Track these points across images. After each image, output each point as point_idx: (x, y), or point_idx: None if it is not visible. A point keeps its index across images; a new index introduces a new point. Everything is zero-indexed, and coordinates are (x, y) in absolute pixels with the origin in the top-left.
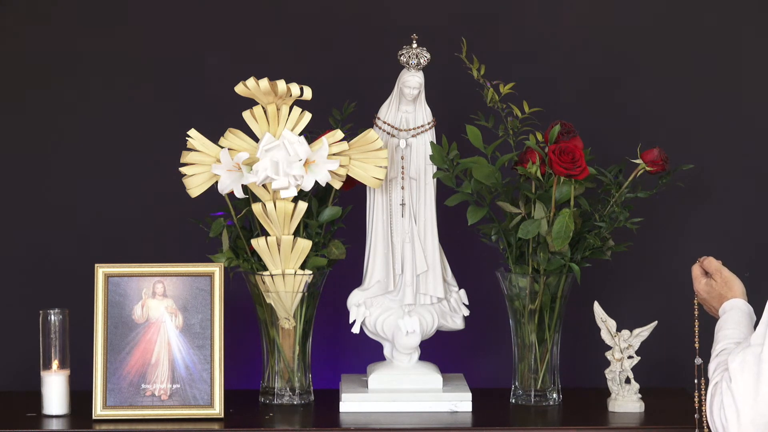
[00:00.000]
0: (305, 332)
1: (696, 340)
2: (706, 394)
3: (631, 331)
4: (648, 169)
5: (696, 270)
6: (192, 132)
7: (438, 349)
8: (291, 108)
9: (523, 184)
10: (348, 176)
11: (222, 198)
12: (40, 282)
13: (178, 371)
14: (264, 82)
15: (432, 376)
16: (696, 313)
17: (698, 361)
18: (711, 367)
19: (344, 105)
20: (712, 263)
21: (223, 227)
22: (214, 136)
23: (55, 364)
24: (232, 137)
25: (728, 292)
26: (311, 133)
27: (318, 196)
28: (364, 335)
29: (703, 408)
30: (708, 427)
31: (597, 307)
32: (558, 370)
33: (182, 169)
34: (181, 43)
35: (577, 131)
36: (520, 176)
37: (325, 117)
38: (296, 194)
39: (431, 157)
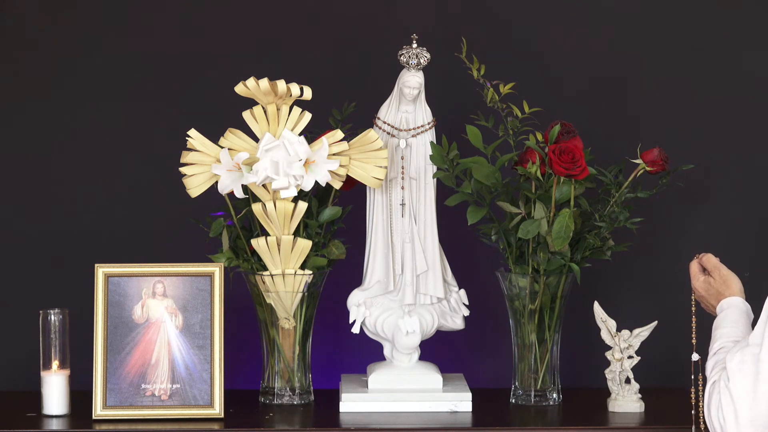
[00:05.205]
0: (305, 332)
1: (693, 336)
2: (703, 392)
3: (631, 331)
4: (648, 169)
5: (694, 267)
6: (192, 132)
7: (438, 349)
8: (291, 108)
9: (523, 184)
10: (348, 176)
11: (222, 198)
12: (40, 282)
13: (178, 371)
14: (264, 82)
15: (432, 376)
16: (693, 309)
17: (695, 357)
18: (708, 365)
19: (344, 105)
20: (710, 260)
21: (223, 227)
22: (214, 136)
23: (55, 364)
24: (232, 137)
25: (726, 290)
26: (311, 133)
27: (318, 196)
28: (364, 335)
29: (701, 405)
30: (705, 424)
31: (597, 307)
32: (558, 370)
33: (182, 169)
34: (182, 43)
35: (577, 131)
36: (520, 176)
37: (325, 117)
38: (296, 194)
39: (431, 157)
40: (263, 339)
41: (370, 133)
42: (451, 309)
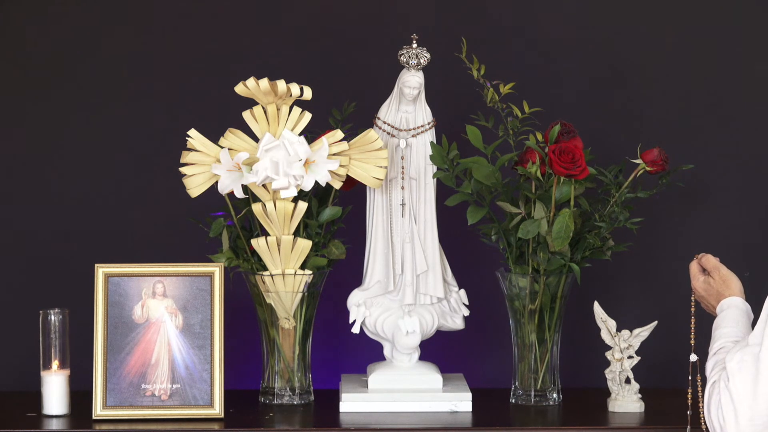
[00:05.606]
0: (305, 332)
1: (692, 337)
2: (702, 392)
3: (631, 331)
4: (648, 169)
5: (694, 267)
6: (192, 132)
7: (438, 349)
8: (291, 108)
9: (523, 184)
10: (348, 176)
11: (222, 198)
12: (40, 282)
13: (178, 371)
14: (264, 82)
15: (432, 376)
16: (693, 310)
17: (693, 357)
18: (708, 365)
19: (344, 105)
20: (710, 260)
21: (223, 227)
22: (214, 136)
23: (55, 364)
24: (232, 137)
25: (726, 290)
26: (311, 133)
27: (318, 196)
28: (364, 335)
29: (699, 405)
30: (705, 425)
31: (597, 307)
32: (558, 370)
33: (182, 169)
34: (182, 42)
35: (577, 131)
36: (520, 176)
37: (325, 117)
38: (296, 194)
39: (431, 157)
40: (263, 339)
41: (370, 133)
42: (451, 309)
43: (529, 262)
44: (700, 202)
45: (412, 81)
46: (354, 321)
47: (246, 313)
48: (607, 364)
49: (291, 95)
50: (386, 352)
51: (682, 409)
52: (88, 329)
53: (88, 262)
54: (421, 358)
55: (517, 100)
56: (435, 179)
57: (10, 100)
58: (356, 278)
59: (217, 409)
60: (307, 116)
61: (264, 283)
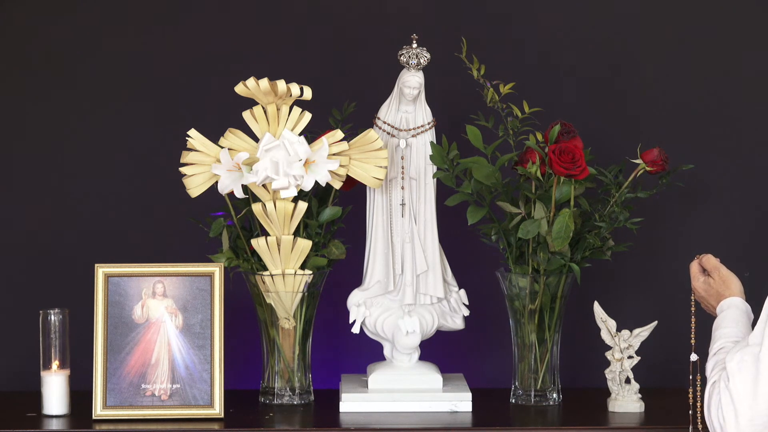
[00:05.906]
0: (305, 332)
1: (692, 337)
2: (702, 392)
3: (631, 331)
4: (648, 169)
5: (694, 267)
6: (192, 132)
7: (438, 349)
8: (291, 108)
9: (523, 184)
10: (348, 176)
11: (222, 198)
12: (40, 282)
13: (178, 371)
14: (264, 82)
15: (432, 376)
16: (693, 309)
17: (694, 357)
18: (708, 365)
19: (344, 105)
20: (710, 260)
21: (223, 227)
22: (214, 136)
23: (55, 364)
24: (232, 137)
25: (726, 290)
26: (311, 133)
27: (318, 196)
28: (364, 335)
29: (698, 405)
30: (705, 425)
31: (597, 307)
32: (558, 370)
33: (182, 169)
34: (182, 42)
35: (577, 131)
36: (520, 176)
37: (325, 117)
38: (296, 194)
39: (431, 157)
40: (263, 339)
41: (370, 133)
42: (451, 309)
43: (529, 262)
44: (700, 202)
45: (412, 81)
46: (354, 321)
47: (246, 313)
48: (607, 364)
49: (291, 95)
50: (386, 352)
51: (683, 408)
52: (88, 329)
53: (88, 262)
54: (421, 358)
55: (517, 100)
56: (435, 179)
57: (10, 100)
58: (356, 278)
59: (217, 409)
60: (307, 116)
61: (264, 283)
